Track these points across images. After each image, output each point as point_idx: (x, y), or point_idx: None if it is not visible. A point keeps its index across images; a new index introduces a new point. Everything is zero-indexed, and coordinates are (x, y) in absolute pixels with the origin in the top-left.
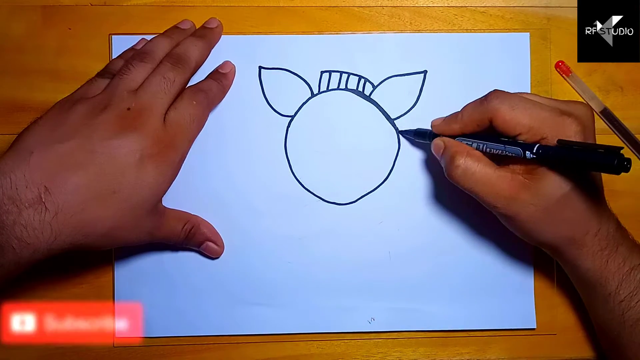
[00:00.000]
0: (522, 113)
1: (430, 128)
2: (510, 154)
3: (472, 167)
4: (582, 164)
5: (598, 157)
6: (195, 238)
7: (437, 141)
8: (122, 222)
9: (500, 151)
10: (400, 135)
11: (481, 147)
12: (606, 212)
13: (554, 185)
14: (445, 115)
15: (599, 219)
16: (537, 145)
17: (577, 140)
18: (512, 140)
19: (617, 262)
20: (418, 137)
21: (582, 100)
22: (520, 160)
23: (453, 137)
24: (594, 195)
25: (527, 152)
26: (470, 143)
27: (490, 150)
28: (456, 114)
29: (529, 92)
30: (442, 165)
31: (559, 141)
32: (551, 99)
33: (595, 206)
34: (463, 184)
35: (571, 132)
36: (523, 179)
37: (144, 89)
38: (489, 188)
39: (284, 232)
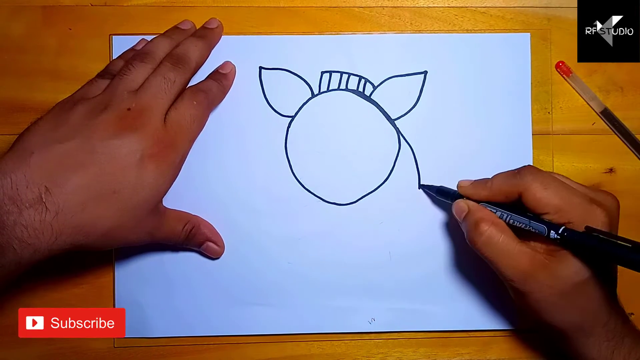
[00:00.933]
0: (554, 194)
1: (454, 188)
2: (534, 230)
3: (496, 237)
4: (606, 255)
5: (624, 252)
6: (195, 238)
7: (461, 204)
8: (123, 222)
9: (525, 225)
10: (401, 137)
11: (505, 217)
12: (616, 305)
13: (573, 270)
14: (473, 179)
15: (609, 310)
16: (564, 227)
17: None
18: (538, 217)
19: (623, 354)
20: (439, 195)
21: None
22: (543, 239)
23: (477, 202)
24: (609, 286)
25: (552, 231)
26: (495, 211)
27: (514, 222)
28: (485, 180)
29: (530, 92)
30: (463, 229)
31: (587, 228)
32: (582, 185)
33: (608, 297)
34: (484, 252)
35: (599, 222)
36: (544, 259)
37: (144, 90)
38: (509, 261)
39: (284, 232)
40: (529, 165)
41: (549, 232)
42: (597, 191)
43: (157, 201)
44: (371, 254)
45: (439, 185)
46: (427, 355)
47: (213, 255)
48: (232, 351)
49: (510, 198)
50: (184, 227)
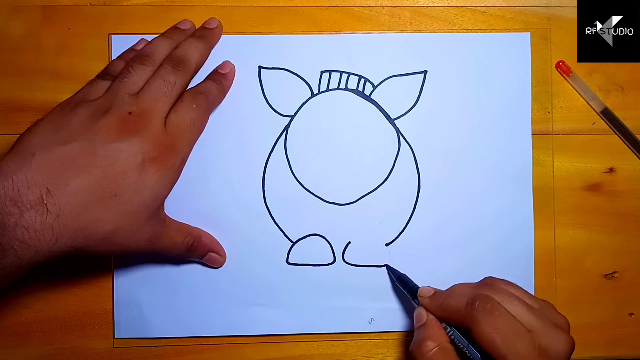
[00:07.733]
0: (501, 339)
1: (416, 285)
2: (469, 355)
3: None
4: None
5: None
6: (197, 251)
7: (422, 311)
8: (123, 226)
9: (463, 347)
10: (400, 137)
11: (449, 331)
12: None
13: None
14: (434, 289)
15: None
16: None
17: None
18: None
19: None
20: (400, 283)
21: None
22: None
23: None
24: None
25: None
26: (445, 325)
27: (455, 340)
28: (447, 300)
29: (530, 91)
30: (415, 332)
31: None
32: (545, 320)
33: None
34: None
35: None
36: None
37: (145, 93)
38: None
39: (284, 232)
40: (486, 295)
41: None
42: (552, 330)
43: (158, 205)
44: (371, 254)
45: (402, 272)
46: None
47: (215, 265)
48: (232, 351)
49: (462, 324)
50: (185, 239)
